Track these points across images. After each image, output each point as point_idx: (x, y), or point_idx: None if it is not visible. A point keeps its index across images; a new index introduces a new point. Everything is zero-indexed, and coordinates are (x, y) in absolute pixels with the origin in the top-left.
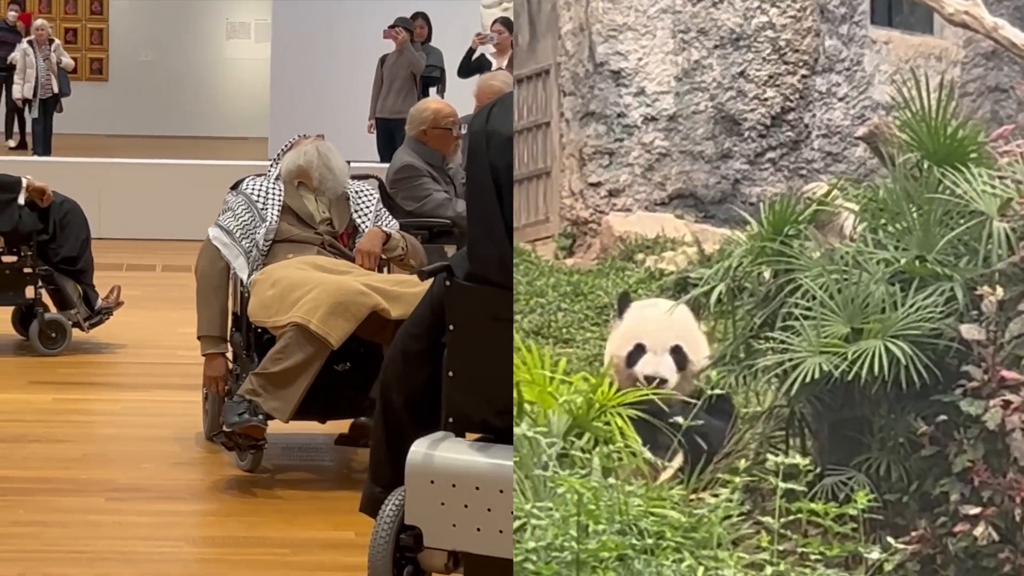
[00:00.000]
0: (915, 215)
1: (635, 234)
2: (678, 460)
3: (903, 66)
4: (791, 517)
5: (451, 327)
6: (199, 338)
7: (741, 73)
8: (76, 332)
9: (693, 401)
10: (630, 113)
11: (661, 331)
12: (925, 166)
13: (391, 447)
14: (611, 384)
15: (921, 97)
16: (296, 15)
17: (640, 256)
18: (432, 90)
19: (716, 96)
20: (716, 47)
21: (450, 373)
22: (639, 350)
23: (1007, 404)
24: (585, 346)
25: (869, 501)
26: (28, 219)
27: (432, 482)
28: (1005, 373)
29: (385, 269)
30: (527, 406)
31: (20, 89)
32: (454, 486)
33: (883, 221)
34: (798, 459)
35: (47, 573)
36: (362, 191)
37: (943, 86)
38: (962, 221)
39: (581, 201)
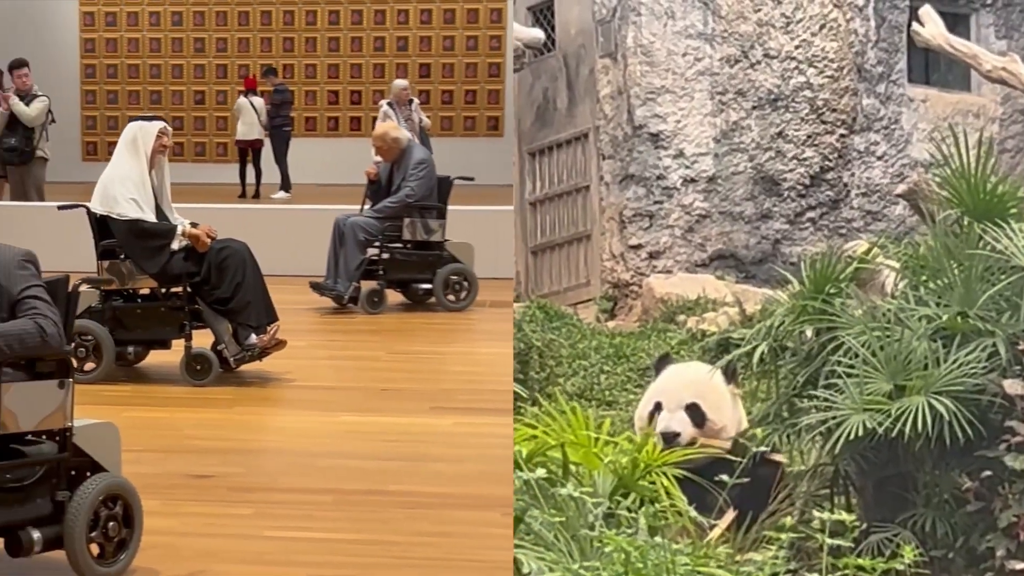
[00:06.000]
0: (956, 271)
1: (676, 295)
2: (726, 519)
3: (941, 124)
4: (838, 573)
5: None
6: None
7: (780, 133)
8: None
9: (738, 459)
10: (669, 175)
11: (678, 390)
12: (965, 222)
13: None
14: (655, 444)
15: (960, 154)
16: None
17: (682, 317)
18: None
19: (755, 157)
20: (754, 108)
21: None
22: (657, 408)
23: None
24: (628, 408)
25: (916, 556)
26: (178, 263)
27: None
28: None
29: None
30: (572, 467)
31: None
32: None
33: (924, 278)
34: (844, 515)
35: None
36: None
37: (982, 143)
38: (1003, 277)
39: (622, 264)
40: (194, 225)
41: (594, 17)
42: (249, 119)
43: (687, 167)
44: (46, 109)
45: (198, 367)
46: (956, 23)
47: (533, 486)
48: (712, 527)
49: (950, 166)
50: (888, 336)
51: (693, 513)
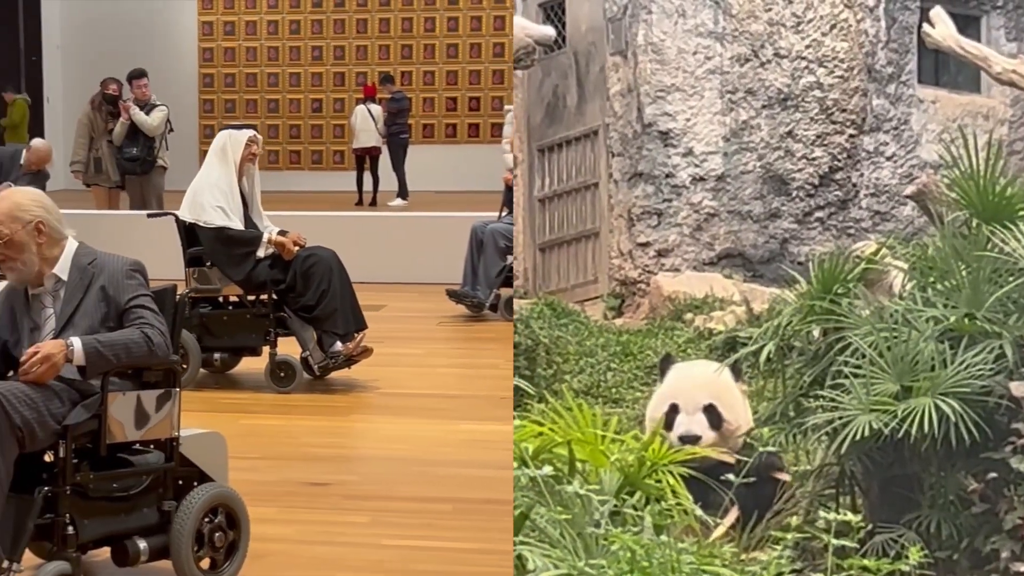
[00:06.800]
0: (964, 273)
1: (684, 294)
2: (731, 518)
3: (950, 125)
4: (843, 574)
5: None
6: None
7: (789, 133)
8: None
9: (744, 459)
10: (678, 173)
11: (694, 391)
12: (974, 224)
13: None
14: (662, 442)
15: (969, 156)
16: None
17: (689, 316)
18: None
19: (764, 156)
20: (764, 107)
21: None
22: (673, 411)
23: None
24: (635, 406)
25: (922, 557)
26: (263, 270)
27: None
28: None
29: None
30: (578, 464)
31: None
32: None
33: (932, 279)
34: (850, 516)
35: None
36: None
37: (991, 144)
38: (1011, 279)
39: (630, 261)
40: (282, 233)
41: (605, 15)
42: (367, 127)
43: (696, 165)
44: (165, 118)
45: (282, 374)
46: (967, 25)
47: (539, 483)
48: (717, 526)
49: (959, 168)
50: (895, 337)
51: (699, 512)
